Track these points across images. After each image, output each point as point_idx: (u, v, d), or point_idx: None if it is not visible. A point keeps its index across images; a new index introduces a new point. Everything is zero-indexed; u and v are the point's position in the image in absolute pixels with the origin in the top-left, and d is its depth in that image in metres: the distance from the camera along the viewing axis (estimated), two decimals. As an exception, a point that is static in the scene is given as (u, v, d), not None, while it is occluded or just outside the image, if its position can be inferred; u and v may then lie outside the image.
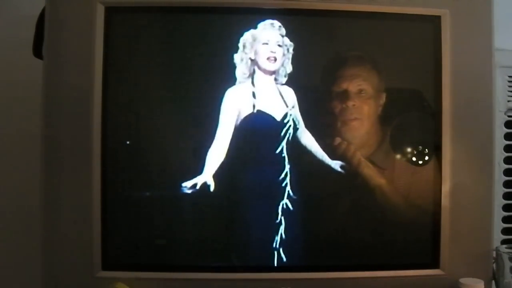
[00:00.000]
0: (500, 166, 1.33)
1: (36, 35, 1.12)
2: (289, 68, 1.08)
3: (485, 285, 1.06)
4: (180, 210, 1.09)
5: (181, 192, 1.06)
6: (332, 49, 1.13)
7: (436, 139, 1.10)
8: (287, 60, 1.09)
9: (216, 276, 1.07)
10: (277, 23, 1.08)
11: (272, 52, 1.08)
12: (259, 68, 1.09)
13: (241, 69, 1.08)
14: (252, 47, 1.08)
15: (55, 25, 1.06)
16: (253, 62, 1.08)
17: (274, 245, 1.08)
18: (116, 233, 1.07)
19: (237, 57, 1.07)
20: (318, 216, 1.10)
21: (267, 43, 1.08)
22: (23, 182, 1.25)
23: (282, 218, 1.08)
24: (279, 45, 1.08)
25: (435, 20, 1.10)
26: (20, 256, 1.30)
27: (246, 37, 1.08)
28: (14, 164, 1.33)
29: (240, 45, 1.08)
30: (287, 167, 1.08)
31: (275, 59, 1.08)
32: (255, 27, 1.08)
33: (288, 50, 1.09)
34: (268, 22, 1.08)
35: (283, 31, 1.08)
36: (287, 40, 1.08)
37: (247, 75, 1.08)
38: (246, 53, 1.07)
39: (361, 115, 1.10)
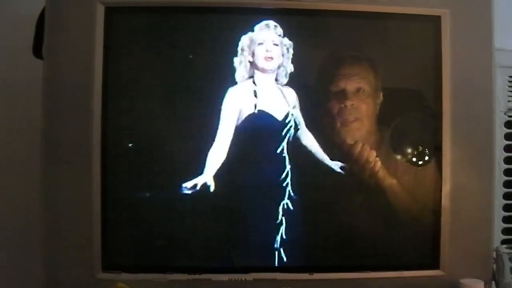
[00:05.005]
0: (500, 166, 1.33)
1: (36, 35, 1.12)
2: (290, 68, 1.08)
3: (485, 285, 1.06)
4: (180, 211, 1.08)
5: (181, 193, 1.06)
6: (332, 49, 1.13)
7: (436, 139, 1.10)
8: (287, 60, 1.08)
9: (217, 277, 1.07)
10: (272, 23, 1.08)
11: (267, 51, 1.08)
12: (258, 69, 1.09)
13: (241, 72, 1.08)
14: (249, 49, 1.08)
15: (55, 25, 1.06)
16: (252, 64, 1.08)
17: (275, 245, 1.08)
18: (116, 234, 1.07)
19: (236, 60, 1.07)
20: (319, 216, 1.10)
21: (262, 43, 1.08)
22: (23, 182, 1.25)
23: (283, 218, 1.08)
24: (275, 44, 1.08)
25: (435, 20, 1.10)
26: (20, 256, 1.30)
27: (244, 41, 1.08)
28: (14, 164, 1.32)
29: (239, 48, 1.08)
30: (288, 167, 1.08)
31: (272, 58, 1.08)
32: (252, 30, 1.08)
33: (287, 50, 1.08)
34: (264, 23, 1.08)
35: (280, 30, 1.08)
36: (286, 40, 1.08)
37: (247, 77, 1.08)
38: (244, 56, 1.07)
39: (361, 115, 1.10)
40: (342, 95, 1.09)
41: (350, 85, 1.09)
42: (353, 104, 1.09)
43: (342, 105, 1.09)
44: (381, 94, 1.10)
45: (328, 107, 1.09)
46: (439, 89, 1.10)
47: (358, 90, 1.09)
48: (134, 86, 1.09)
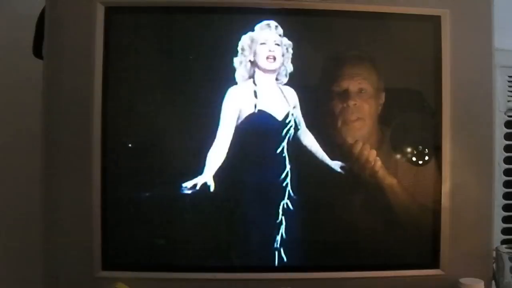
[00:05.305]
0: (500, 166, 1.33)
1: (36, 35, 1.12)
2: (289, 68, 1.08)
3: (485, 285, 1.06)
4: (180, 210, 1.08)
5: (181, 192, 1.06)
6: (332, 49, 1.13)
7: (436, 139, 1.10)
8: (287, 60, 1.09)
9: (216, 276, 1.07)
10: (273, 23, 1.08)
11: (270, 51, 1.08)
12: (259, 68, 1.09)
13: (241, 72, 1.08)
14: (250, 49, 1.08)
15: (55, 25, 1.06)
16: (253, 64, 1.08)
17: (274, 245, 1.08)
18: (116, 233, 1.07)
19: (236, 61, 1.07)
20: (319, 216, 1.10)
21: (265, 43, 1.08)
22: (23, 182, 1.25)
23: (283, 218, 1.08)
24: (277, 44, 1.08)
25: (435, 20, 1.10)
26: (20, 256, 1.30)
27: (244, 40, 1.08)
28: (14, 164, 1.32)
29: (239, 48, 1.08)
30: (288, 167, 1.08)
31: (274, 58, 1.08)
32: (253, 30, 1.08)
33: (287, 49, 1.09)
34: (264, 23, 1.08)
35: (280, 30, 1.08)
36: (285, 40, 1.08)
37: (247, 77, 1.08)
38: (245, 56, 1.07)
39: (363, 115, 1.10)
40: (343, 95, 1.09)
41: (353, 85, 1.09)
42: (355, 104, 1.09)
43: (344, 105, 1.09)
44: (383, 94, 1.10)
45: (329, 107, 1.09)
46: (439, 89, 1.10)
47: (361, 90, 1.09)
48: (134, 86, 1.09)
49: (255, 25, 1.08)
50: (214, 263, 1.09)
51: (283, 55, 1.08)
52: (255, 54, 1.08)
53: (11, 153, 1.33)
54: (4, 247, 1.34)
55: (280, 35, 1.08)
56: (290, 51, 1.08)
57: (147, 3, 1.09)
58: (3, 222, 1.33)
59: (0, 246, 1.34)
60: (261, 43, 1.08)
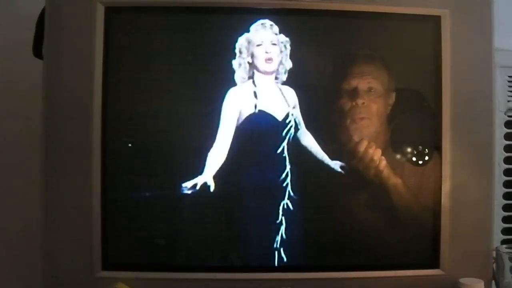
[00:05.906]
0: (500, 166, 1.33)
1: (36, 35, 1.12)
2: (288, 65, 1.08)
3: (485, 285, 1.06)
4: (180, 211, 1.09)
5: (181, 193, 1.06)
6: (330, 49, 1.13)
7: (436, 139, 1.10)
8: (285, 57, 1.08)
9: (216, 276, 1.07)
10: (268, 22, 1.08)
11: (267, 52, 1.08)
12: (258, 70, 1.09)
13: (240, 74, 1.08)
14: (248, 51, 1.08)
15: (55, 25, 1.06)
16: (252, 65, 1.08)
17: (274, 245, 1.08)
18: (116, 233, 1.07)
19: (235, 62, 1.07)
20: (319, 216, 1.10)
21: (261, 44, 1.08)
22: (23, 182, 1.25)
23: (283, 218, 1.08)
24: (273, 44, 1.08)
25: (435, 20, 1.10)
26: (20, 256, 1.30)
27: (241, 42, 1.08)
28: (14, 164, 1.32)
29: (237, 50, 1.07)
30: (288, 167, 1.08)
31: (272, 59, 1.08)
32: (248, 30, 1.08)
33: (285, 46, 1.08)
34: (259, 22, 1.08)
35: (276, 29, 1.08)
36: (282, 37, 1.08)
37: (246, 78, 1.08)
38: (243, 58, 1.07)
39: (370, 114, 1.09)
40: (351, 93, 1.08)
41: (362, 84, 1.09)
42: (363, 103, 1.09)
43: (352, 103, 1.08)
44: (391, 94, 1.10)
45: (331, 106, 1.09)
46: (439, 89, 1.10)
47: (370, 89, 1.09)
48: (134, 86, 1.09)
49: (249, 25, 1.08)
50: (214, 263, 1.09)
51: (281, 52, 1.08)
52: (252, 56, 1.08)
53: (11, 153, 1.33)
54: (4, 247, 1.34)
55: (276, 34, 1.08)
56: (288, 47, 1.08)
57: (147, 3, 1.09)
58: (3, 222, 1.33)
59: (0, 246, 1.34)
60: (258, 45, 1.08)
